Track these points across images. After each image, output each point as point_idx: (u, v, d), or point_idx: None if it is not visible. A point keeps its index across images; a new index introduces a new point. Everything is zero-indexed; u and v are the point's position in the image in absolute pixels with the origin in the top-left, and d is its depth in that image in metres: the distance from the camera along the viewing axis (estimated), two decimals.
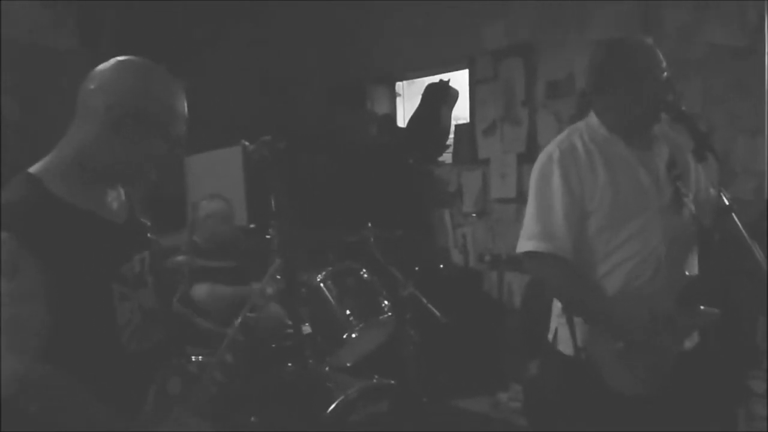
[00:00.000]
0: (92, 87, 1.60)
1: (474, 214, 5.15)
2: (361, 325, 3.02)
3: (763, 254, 1.94)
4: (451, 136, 5.42)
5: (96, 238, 1.60)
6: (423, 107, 5.39)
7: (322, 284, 3.13)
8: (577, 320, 2.22)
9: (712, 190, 2.33)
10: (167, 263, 3.14)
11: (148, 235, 1.83)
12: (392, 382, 3.04)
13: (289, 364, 3.10)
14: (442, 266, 5.05)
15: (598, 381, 2.15)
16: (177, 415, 1.67)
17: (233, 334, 1.86)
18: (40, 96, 4.60)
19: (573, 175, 2.20)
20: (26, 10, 4.97)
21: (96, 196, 1.66)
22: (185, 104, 1.69)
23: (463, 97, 5.31)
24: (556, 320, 2.33)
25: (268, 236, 3.06)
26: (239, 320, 1.90)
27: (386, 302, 3.18)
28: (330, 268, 3.22)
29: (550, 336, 2.37)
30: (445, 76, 5.36)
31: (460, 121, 5.39)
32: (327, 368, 3.08)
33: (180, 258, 3.29)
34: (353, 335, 3.00)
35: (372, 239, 3.44)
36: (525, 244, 2.26)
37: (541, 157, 2.28)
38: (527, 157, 4.63)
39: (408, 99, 6.01)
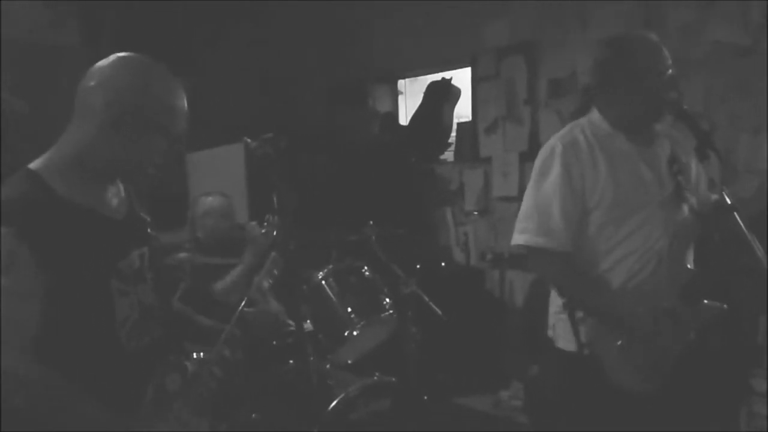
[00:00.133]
0: (91, 84, 1.60)
1: (476, 213, 5.15)
2: (362, 323, 3.02)
3: (764, 252, 1.95)
4: (453, 134, 5.42)
5: (95, 234, 1.60)
6: (425, 105, 5.39)
7: (323, 282, 3.13)
8: (579, 315, 2.22)
9: (713, 196, 2.34)
10: (169, 260, 3.14)
11: (148, 230, 1.84)
12: (393, 379, 3.04)
13: (291, 362, 3.10)
14: (443, 264, 5.05)
15: (598, 377, 2.15)
16: (177, 413, 1.68)
17: (230, 329, 1.87)
18: (42, 94, 4.60)
19: (575, 170, 2.20)
20: (26, 9, 4.98)
21: (95, 193, 1.66)
22: (185, 101, 1.69)
23: (465, 95, 5.31)
24: (554, 316, 2.34)
25: (262, 230, 3.06)
26: (236, 315, 1.91)
27: (388, 300, 3.18)
28: (332, 266, 3.23)
29: (549, 332, 2.37)
30: (447, 75, 5.35)
31: (462, 120, 5.39)
32: (328, 366, 3.08)
33: (182, 255, 3.30)
34: (355, 333, 3.00)
35: (374, 237, 3.44)
36: (519, 237, 2.26)
37: (543, 151, 2.28)
38: (529, 155, 4.62)
39: (410, 97, 6.01)
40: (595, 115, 2.32)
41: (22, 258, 1.46)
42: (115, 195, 1.73)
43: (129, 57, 1.65)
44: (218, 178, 4.89)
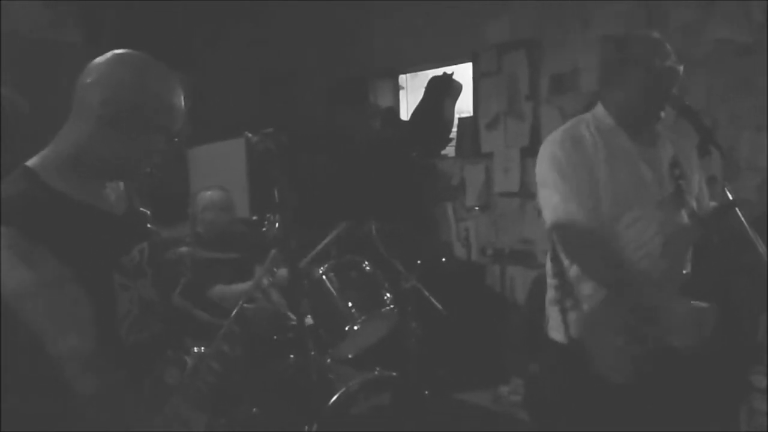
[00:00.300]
0: (88, 81, 1.60)
1: (477, 208, 5.15)
2: (363, 318, 3.02)
3: (765, 249, 1.95)
4: (455, 129, 5.42)
5: (95, 230, 1.60)
6: (426, 100, 5.38)
7: (324, 276, 3.13)
8: (569, 306, 2.23)
9: (713, 204, 2.36)
10: (170, 254, 3.14)
11: (148, 225, 1.84)
12: (394, 374, 3.04)
13: (291, 356, 3.11)
14: (444, 259, 5.05)
15: (587, 368, 2.16)
16: (175, 408, 1.68)
17: (229, 324, 1.87)
18: (42, 92, 4.60)
19: (578, 158, 2.22)
20: (26, 9, 4.97)
21: (94, 189, 1.66)
22: (182, 98, 1.68)
23: (466, 90, 5.31)
24: (548, 308, 2.35)
25: (263, 228, 3.06)
26: (235, 311, 1.91)
27: (388, 295, 3.18)
28: (332, 261, 3.23)
29: (546, 325, 2.39)
30: (448, 70, 5.35)
31: (464, 115, 5.39)
32: (329, 360, 3.08)
33: (183, 249, 3.29)
34: (355, 327, 3.00)
35: (374, 232, 3.44)
36: (555, 212, 2.24)
37: (547, 142, 2.30)
38: (530, 151, 4.62)
39: (411, 92, 6.00)
40: (599, 110, 2.33)
41: (40, 251, 1.46)
42: (114, 190, 1.73)
43: (126, 54, 1.65)
44: (219, 173, 4.89)
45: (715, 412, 3.19)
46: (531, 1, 4.65)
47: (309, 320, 3.13)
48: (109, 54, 1.63)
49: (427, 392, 3.39)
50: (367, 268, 3.23)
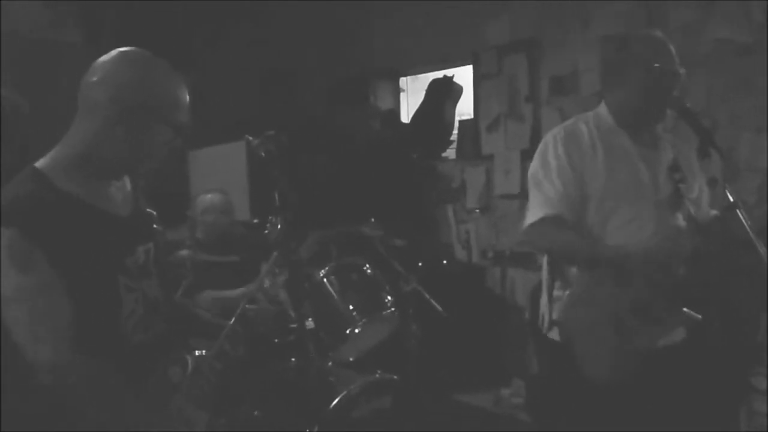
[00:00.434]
0: (94, 80, 1.61)
1: (477, 210, 5.14)
2: (364, 320, 3.02)
3: (765, 250, 1.95)
4: (455, 131, 5.42)
5: (101, 231, 1.62)
6: (427, 103, 5.38)
7: (325, 279, 3.13)
8: (557, 294, 2.26)
9: (713, 212, 2.36)
10: (171, 258, 3.14)
11: (154, 225, 1.85)
12: (395, 377, 3.04)
13: (292, 359, 3.10)
14: (445, 262, 5.05)
15: (573, 366, 2.17)
16: (179, 405, 1.69)
17: (232, 325, 1.88)
18: (43, 92, 4.61)
19: (575, 154, 2.24)
20: (26, 9, 4.98)
21: (101, 190, 1.67)
22: (186, 94, 1.70)
23: (467, 92, 5.31)
24: (544, 306, 2.35)
25: (265, 231, 3.07)
26: (238, 312, 1.92)
27: (389, 297, 3.18)
28: (333, 263, 3.23)
29: (539, 322, 2.39)
30: (449, 72, 5.35)
31: (464, 117, 5.39)
32: (330, 363, 3.08)
33: (183, 252, 3.30)
34: (356, 330, 3.00)
35: (375, 235, 3.44)
36: (531, 214, 2.28)
37: (545, 138, 2.32)
38: (531, 153, 4.56)
39: (412, 94, 6.00)
40: (602, 108, 2.35)
41: (36, 255, 1.48)
42: (121, 190, 1.75)
43: (130, 51, 1.66)
44: (220, 176, 4.89)
45: (716, 413, 3.19)
46: (531, 1, 4.65)
47: (310, 323, 3.13)
48: (113, 52, 1.65)
49: (428, 395, 3.38)
50: (368, 270, 3.23)
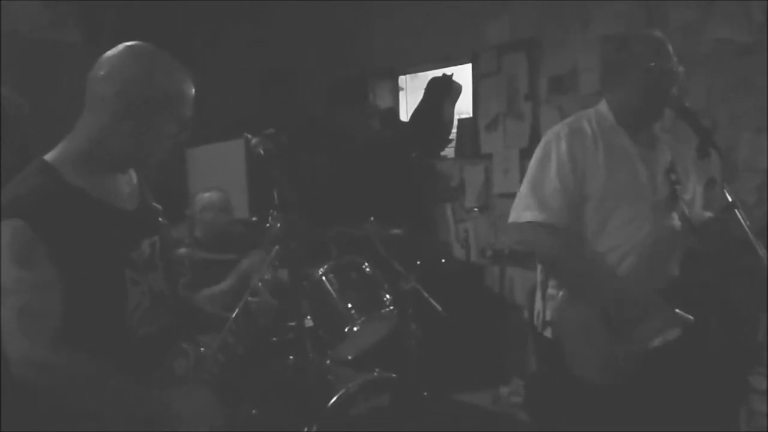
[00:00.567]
0: (101, 74, 1.62)
1: (476, 209, 5.15)
2: (362, 319, 3.02)
3: (764, 250, 1.95)
4: (454, 130, 5.42)
5: (108, 225, 1.63)
6: (426, 101, 5.38)
7: (324, 278, 3.13)
8: (551, 292, 2.26)
9: (707, 214, 2.37)
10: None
11: (159, 219, 1.87)
12: (393, 375, 3.04)
13: (291, 358, 3.10)
14: (443, 261, 5.05)
15: (563, 364, 2.17)
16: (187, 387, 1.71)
17: (234, 317, 1.90)
18: (43, 91, 4.61)
19: (578, 153, 2.23)
20: (27, 9, 4.97)
21: (108, 184, 1.69)
22: (192, 88, 1.72)
23: (466, 91, 5.31)
24: (538, 303, 2.36)
25: (267, 224, 3.07)
26: (241, 304, 1.94)
27: (388, 296, 3.18)
28: (332, 262, 3.22)
29: (534, 320, 2.39)
30: (448, 71, 5.35)
31: (463, 116, 5.39)
32: (328, 361, 3.08)
33: (182, 250, 3.30)
34: (355, 329, 3.00)
35: (374, 233, 3.44)
36: (523, 214, 2.25)
37: (548, 134, 2.31)
38: (530, 151, 4.57)
39: (411, 93, 6.00)
40: (603, 106, 2.34)
41: (39, 251, 1.49)
42: (127, 184, 1.77)
43: (136, 46, 1.68)
44: (219, 174, 4.89)
45: (716, 413, 3.19)
46: (531, 1, 4.65)
47: (309, 321, 3.13)
48: (120, 47, 1.66)
49: (426, 393, 3.39)
50: (367, 269, 3.23)
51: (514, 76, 4.82)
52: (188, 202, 3.65)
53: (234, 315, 1.92)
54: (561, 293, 2.25)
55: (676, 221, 2.26)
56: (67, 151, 1.64)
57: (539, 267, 2.39)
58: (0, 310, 1.48)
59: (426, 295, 3.33)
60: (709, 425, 3.06)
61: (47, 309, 1.50)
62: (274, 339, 3.15)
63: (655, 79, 2.19)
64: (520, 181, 2.31)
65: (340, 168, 5.38)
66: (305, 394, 2.87)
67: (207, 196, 3.55)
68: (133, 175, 1.81)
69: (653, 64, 2.18)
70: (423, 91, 5.43)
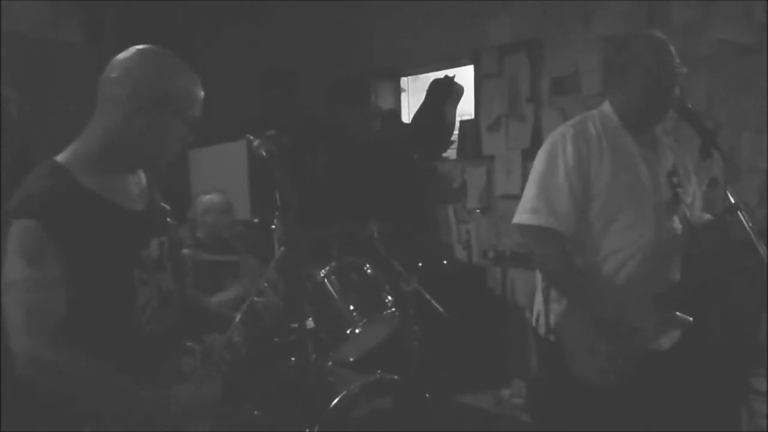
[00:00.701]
0: (113, 77, 1.66)
1: (478, 210, 5.14)
2: (364, 321, 3.01)
3: (765, 252, 1.95)
4: (456, 132, 5.42)
5: (117, 226, 1.66)
6: (428, 103, 5.38)
7: (325, 279, 3.12)
8: (553, 298, 2.26)
9: (705, 216, 2.37)
10: None
11: (168, 219, 1.90)
12: (395, 377, 3.04)
13: (292, 359, 3.10)
14: (445, 262, 5.05)
15: (565, 365, 2.17)
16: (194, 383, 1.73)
17: (241, 316, 1.92)
18: (41, 91, 4.61)
19: (584, 153, 2.22)
20: (27, 9, 4.98)
21: (118, 185, 1.72)
22: (201, 90, 1.75)
23: (468, 92, 5.31)
24: (538, 305, 2.36)
25: (273, 226, 3.08)
26: (246, 304, 1.96)
27: (389, 298, 3.17)
28: (334, 264, 3.22)
29: (533, 320, 2.39)
30: (450, 72, 5.35)
31: (465, 117, 5.39)
32: (330, 363, 3.08)
33: (184, 252, 3.31)
34: (356, 330, 3.00)
35: (376, 234, 3.44)
36: (530, 217, 2.26)
37: (553, 135, 2.30)
38: (532, 153, 4.58)
39: (413, 94, 6.00)
40: (606, 107, 2.34)
41: (48, 250, 1.51)
42: (137, 185, 1.79)
43: (146, 49, 1.71)
44: (221, 176, 4.89)
45: (716, 414, 3.19)
46: (532, 1, 4.64)
47: (310, 323, 3.13)
48: (131, 49, 1.70)
49: (428, 395, 3.38)
50: (369, 270, 3.23)
51: (516, 77, 4.82)
52: (190, 204, 3.66)
53: (240, 314, 1.94)
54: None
55: (677, 224, 2.26)
56: (78, 153, 1.66)
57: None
58: (7, 306, 1.50)
59: (428, 296, 3.33)
60: (710, 425, 3.06)
61: (53, 308, 1.52)
62: (276, 340, 3.15)
63: (656, 79, 2.19)
64: (522, 182, 2.31)
65: (341, 169, 5.38)
66: (307, 396, 2.87)
67: (208, 198, 3.57)
68: (142, 176, 1.83)
69: (656, 64, 2.18)
70: (425, 93, 5.43)
